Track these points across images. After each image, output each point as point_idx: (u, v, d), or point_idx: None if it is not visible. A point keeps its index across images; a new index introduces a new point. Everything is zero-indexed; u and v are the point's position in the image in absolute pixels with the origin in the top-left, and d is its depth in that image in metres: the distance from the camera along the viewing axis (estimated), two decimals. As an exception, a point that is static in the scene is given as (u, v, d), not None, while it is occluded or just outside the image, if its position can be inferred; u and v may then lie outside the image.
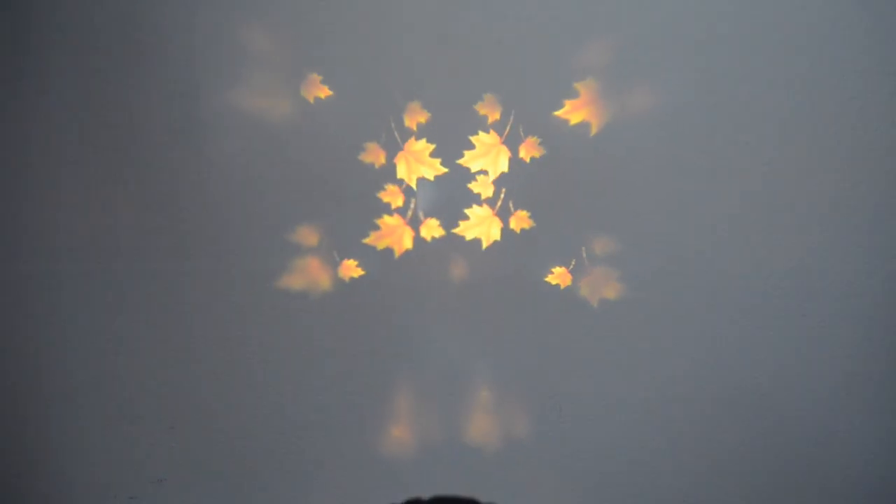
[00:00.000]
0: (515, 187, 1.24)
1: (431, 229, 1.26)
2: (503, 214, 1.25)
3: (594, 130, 1.22)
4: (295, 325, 1.30)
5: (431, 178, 1.24)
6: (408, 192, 1.25)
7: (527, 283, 1.27)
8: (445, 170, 1.24)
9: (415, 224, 1.26)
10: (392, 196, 1.25)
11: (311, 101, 1.24)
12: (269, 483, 1.34)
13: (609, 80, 1.21)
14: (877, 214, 1.21)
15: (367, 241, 1.27)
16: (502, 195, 1.25)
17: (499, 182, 1.24)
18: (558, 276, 1.26)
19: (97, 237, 1.30)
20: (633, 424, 1.29)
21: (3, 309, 1.32)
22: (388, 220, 1.26)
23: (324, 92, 1.24)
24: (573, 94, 1.22)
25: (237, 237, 1.28)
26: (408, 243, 1.27)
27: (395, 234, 1.26)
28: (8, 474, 1.35)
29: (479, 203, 1.25)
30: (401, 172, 1.25)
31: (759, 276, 1.24)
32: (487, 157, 1.23)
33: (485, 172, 1.24)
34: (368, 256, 1.28)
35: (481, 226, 1.25)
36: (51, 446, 1.35)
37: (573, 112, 1.22)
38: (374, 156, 1.24)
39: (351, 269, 1.27)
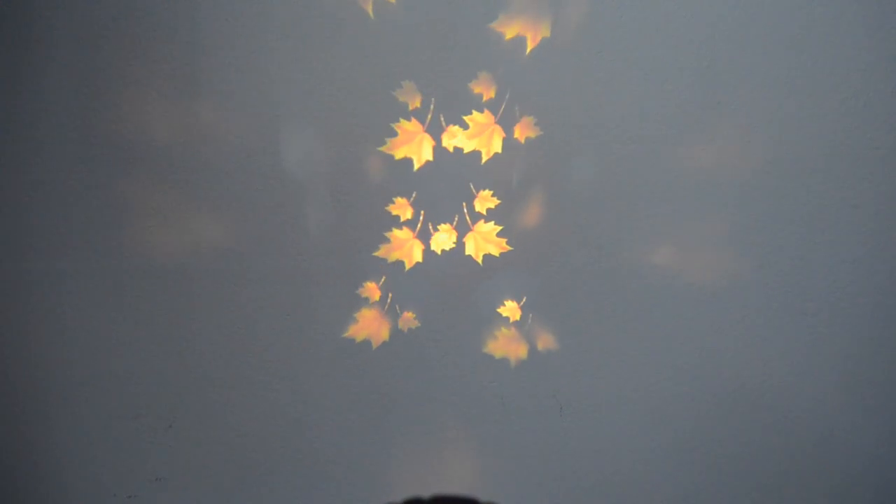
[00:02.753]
0: (516, 187, 1.25)
1: (442, 243, 1.26)
2: (509, 216, 1.26)
3: (592, 129, 1.22)
4: (296, 322, 1.29)
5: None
6: (417, 204, 1.25)
7: (527, 283, 1.27)
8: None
9: (424, 237, 1.26)
10: (401, 209, 1.26)
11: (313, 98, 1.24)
12: (268, 482, 1.34)
13: (608, 78, 1.21)
14: (877, 214, 1.21)
15: (377, 253, 1.27)
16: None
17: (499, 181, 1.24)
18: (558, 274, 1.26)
19: (96, 235, 1.30)
20: (633, 424, 1.29)
21: (2, 307, 1.32)
22: (397, 234, 1.27)
23: (325, 91, 1.24)
24: (612, 95, 1.22)
25: (237, 236, 1.28)
26: (418, 256, 1.27)
27: (405, 247, 1.26)
28: (7, 473, 1.35)
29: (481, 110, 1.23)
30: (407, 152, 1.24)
31: (759, 275, 1.24)
32: (482, 137, 1.22)
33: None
34: (368, 257, 1.28)
35: (482, 136, 1.23)
36: (50, 444, 1.34)
37: (573, 111, 1.22)
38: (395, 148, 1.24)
39: (353, 264, 1.28)
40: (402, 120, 1.24)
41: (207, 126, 1.26)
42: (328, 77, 1.24)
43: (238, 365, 1.31)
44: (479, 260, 1.26)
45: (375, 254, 1.27)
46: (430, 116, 1.23)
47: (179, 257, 1.29)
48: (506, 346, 1.28)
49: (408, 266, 1.27)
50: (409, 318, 1.28)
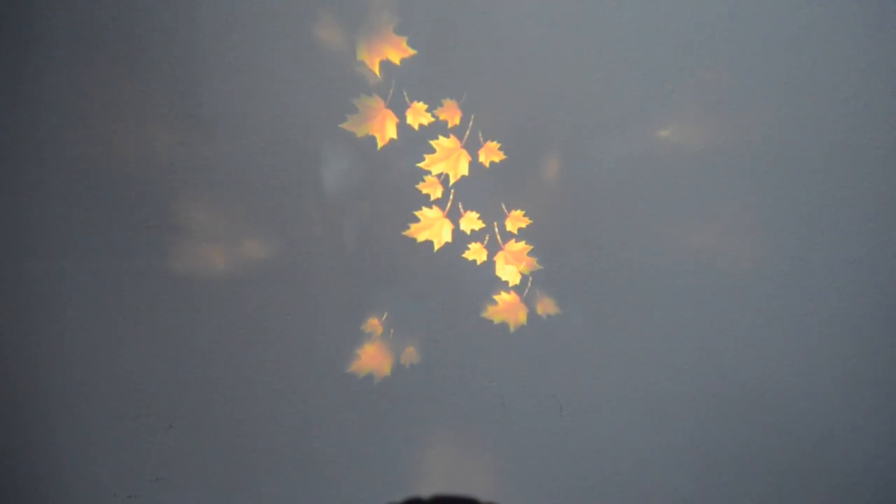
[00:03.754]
0: (517, 185, 1.25)
1: (471, 222, 1.25)
2: (498, 216, 1.26)
3: (591, 129, 1.22)
4: (297, 322, 1.30)
5: (397, 63, 1.21)
6: (446, 181, 1.25)
7: (528, 282, 1.27)
8: (413, 51, 1.22)
9: (454, 217, 1.26)
10: (431, 188, 1.24)
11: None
12: (268, 482, 1.34)
13: (607, 78, 1.21)
14: (877, 214, 1.21)
15: (407, 233, 1.26)
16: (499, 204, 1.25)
17: (501, 181, 1.24)
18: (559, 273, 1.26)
19: (97, 235, 1.30)
20: (633, 424, 1.29)
21: (2, 307, 1.32)
22: (427, 213, 1.26)
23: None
24: (612, 95, 1.22)
25: (237, 236, 1.28)
26: (447, 236, 1.26)
27: (434, 227, 1.26)
28: (7, 473, 1.35)
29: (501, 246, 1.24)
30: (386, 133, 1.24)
31: (759, 275, 1.24)
32: (448, 161, 1.23)
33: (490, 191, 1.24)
34: (368, 257, 1.28)
35: (501, 268, 1.26)
36: (49, 444, 1.35)
37: (573, 111, 1.22)
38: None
39: (353, 264, 1.28)
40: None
41: (207, 126, 1.26)
42: (329, 77, 1.24)
43: (238, 365, 1.31)
44: (511, 279, 1.26)
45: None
46: (468, 131, 1.23)
47: (179, 257, 1.29)
48: (506, 311, 1.28)
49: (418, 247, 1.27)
50: (410, 353, 1.29)
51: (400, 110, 1.23)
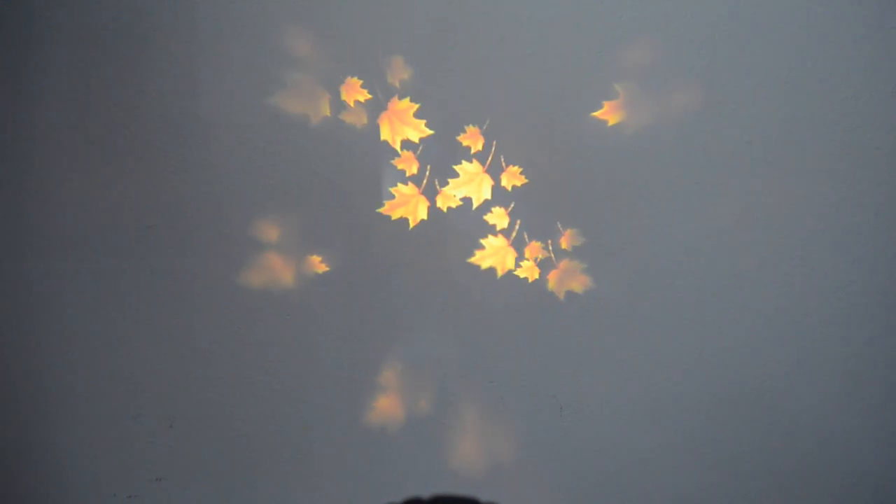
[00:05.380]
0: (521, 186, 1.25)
1: (448, 199, 1.25)
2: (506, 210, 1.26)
3: (591, 129, 1.22)
4: (297, 322, 1.30)
5: (416, 140, 1.23)
6: (423, 157, 1.25)
7: (528, 279, 1.27)
8: (430, 132, 1.24)
9: (430, 194, 1.26)
10: (406, 163, 1.24)
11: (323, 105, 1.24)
12: (269, 482, 1.34)
13: (608, 78, 1.21)
14: (877, 214, 1.21)
15: (382, 210, 1.26)
16: (511, 209, 1.25)
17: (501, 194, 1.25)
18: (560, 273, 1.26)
19: (97, 235, 1.30)
20: (633, 423, 1.29)
21: (2, 307, 1.32)
22: (402, 189, 1.26)
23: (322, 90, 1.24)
24: (613, 95, 1.22)
25: (238, 235, 1.28)
26: (423, 213, 1.26)
27: (409, 203, 1.26)
28: (7, 473, 1.35)
29: (495, 234, 1.25)
30: (384, 134, 1.24)
31: (759, 275, 1.24)
32: (471, 185, 1.24)
33: (500, 199, 1.24)
34: (369, 256, 1.28)
35: (496, 256, 1.26)
36: (50, 444, 1.35)
37: (572, 110, 1.22)
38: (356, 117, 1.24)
39: (353, 264, 1.28)
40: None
41: (207, 126, 1.26)
42: (329, 77, 1.24)
43: (238, 365, 1.31)
44: (561, 296, 1.26)
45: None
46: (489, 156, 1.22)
47: (180, 257, 1.29)
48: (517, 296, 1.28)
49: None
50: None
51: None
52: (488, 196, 1.24)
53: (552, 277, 1.26)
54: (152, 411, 1.33)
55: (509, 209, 1.24)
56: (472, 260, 1.26)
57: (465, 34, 1.22)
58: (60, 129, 1.28)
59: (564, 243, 1.25)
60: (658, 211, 1.24)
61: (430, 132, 1.24)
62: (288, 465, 1.33)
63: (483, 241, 1.26)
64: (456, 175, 1.24)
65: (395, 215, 1.26)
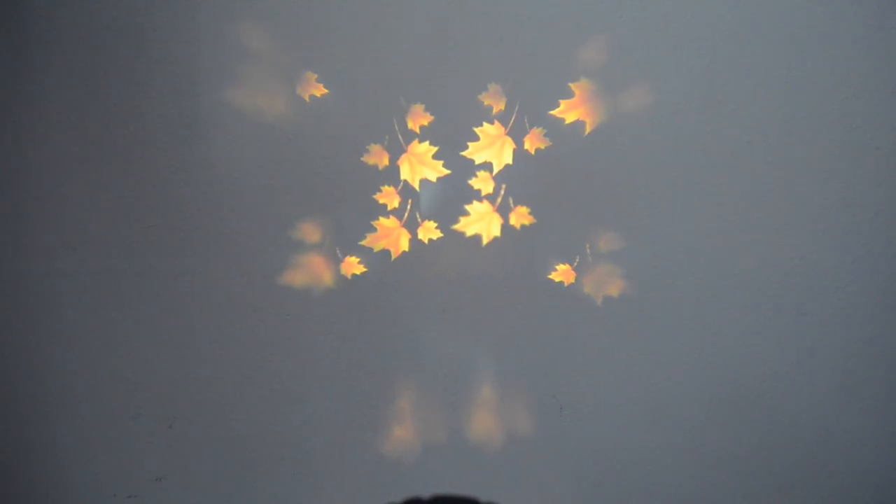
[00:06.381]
0: (516, 184, 1.25)
1: (429, 231, 1.26)
2: (503, 211, 1.25)
3: (591, 129, 1.22)
4: (296, 322, 1.30)
5: (434, 180, 1.24)
6: (405, 192, 1.25)
7: (529, 280, 1.27)
8: (448, 171, 1.24)
9: (412, 226, 1.26)
10: (388, 197, 1.25)
11: (307, 99, 1.24)
12: (268, 482, 1.34)
13: (608, 78, 1.21)
14: (877, 214, 1.21)
15: (363, 242, 1.27)
16: (503, 191, 1.25)
17: (499, 178, 1.24)
18: (561, 273, 1.26)
19: (97, 235, 1.30)
20: (632, 423, 1.29)
21: (2, 307, 1.32)
22: (384, 222, 1.26)
23: (320, 90, 1.24)
24: (569, 94, 1.22)
25: (238, 235, 1.28)
26: (405, 245, 1.27)
27: (391, 236, 1.26)
28: (7, 473, 1.35)
29: (480, 199, 1.25)
30: (404, 174, 1.25)
31: (759, 275, 1.24)
32: (492, 149, 1.23)
33: (487, 166, 1.24)
34: (370, 254, 1.28)
35: (481, 222, 1.25)
36: (50, 444, 1.35)
37: (571, 110, 1.22)
38: (378, 157, 1.24)
39: (353, 266, 1.27)
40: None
41: (207, 126, 1.26)
42: (331, 77, 1.24)
43: (238, 365, 1.31)
44: (562, 296, 1.26)
45: (362, 242, 1.27)
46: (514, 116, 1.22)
47: (179, 257, 1.29)
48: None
49: (394, 255, 1.27)
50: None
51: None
52: (509, 161, 1.23)
53: (552, 277, 1.26)
54: (152, 411, 1.33)
55: (494, 174, 1.24)
56: (457, 227, 1.26)
57: (465, 34, 1.22)
58: (60, 129, 1.28)
59: (562, 244, 1.26)
60: (658, 211, 1.24)
61: (447, 172, 1.24)
62: (288, 465, 1.33)
63: (468, 207, 1.25)
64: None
65: (378, 247, 1.27)
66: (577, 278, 1.26)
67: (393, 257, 1.27)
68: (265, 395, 1.32)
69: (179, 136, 1.27)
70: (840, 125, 1.20)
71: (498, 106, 1.22)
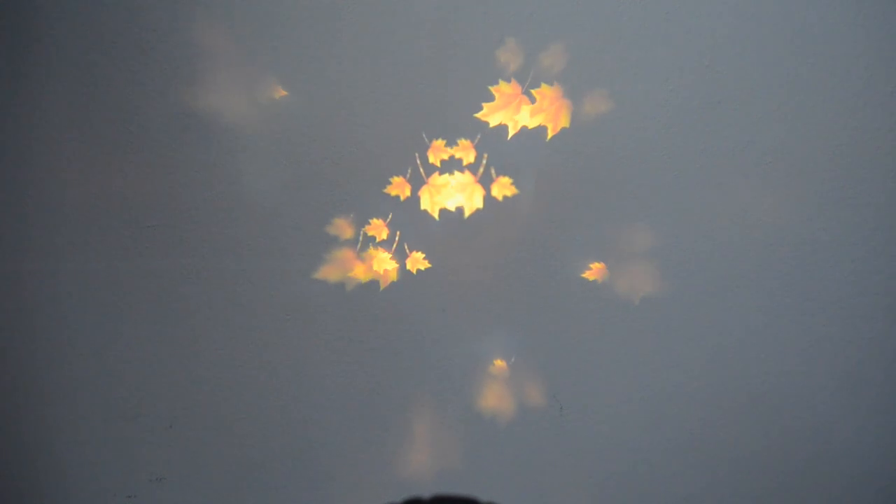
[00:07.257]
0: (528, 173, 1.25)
1: (417, 262, 1.26)
2: (519, 209, 1.26)
3: (593, 128, 1.22)
4: (296, 323, 1.30)
5: (453, 209, 1.25)
6: (394, 225, 1.25)
7: (530, 280, 1.27)
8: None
9: (401, 257, 1.26)
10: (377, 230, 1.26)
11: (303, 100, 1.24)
12: (268, 482, 1.34)
13: (609, 79, 1.21)
14: (877, 214, 1.21)
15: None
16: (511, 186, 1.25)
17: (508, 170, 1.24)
18: (574, 275, 1.26)
19: (97, 235, 1.30)
20: (633, 423, 1.29)
21: (2, 307, 1.32)
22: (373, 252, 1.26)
23: (319, 90, 1.24)
24: (609, 95, 1.22)
25: (238, 235, 1.28)
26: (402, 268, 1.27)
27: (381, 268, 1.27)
28: (7, 473, 1.35)
29: (462, 170, 1.24)
30: (424, 204, 1.26)
31: (759, 275, 1.24)
32: (507, 110, 1.22)
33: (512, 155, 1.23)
34: (373, 258, 1.28)
35: (463, 192, 1.25)
36: (49, 444, 1.35)
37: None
38: (400, 188, 1.25)
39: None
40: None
41: (207, 126, 1.26)
42: (330, 77, 1.24)
43: (238, 365, 1.31)
44: (562, 297, 1.26)
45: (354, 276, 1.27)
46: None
47: (179, 257, 1.29)
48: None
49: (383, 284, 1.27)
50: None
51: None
52: (479, 205, 1.24)
53: (552, 278, 1.26)
54: (152, 411, 1.33)
55: (475, 141, 1.24)
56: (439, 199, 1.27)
57: (465, 34, 1.22)
58: (60, 129, 1.28)
59: (564, 244, 1.26)
60: (658, 211, 1.24)
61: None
62: (288, 465, 1.33)
63: (449, 177, 1.25)
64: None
65: (366, 278, 1.28)
66: (578, 280, 1.26)
67: (381, 287, 1.27)
68: (265, 395, 1.32)
69: (179, 137, 1.27)
70: (840, 125, 1.20)
71: (514, 64, 1.21)
